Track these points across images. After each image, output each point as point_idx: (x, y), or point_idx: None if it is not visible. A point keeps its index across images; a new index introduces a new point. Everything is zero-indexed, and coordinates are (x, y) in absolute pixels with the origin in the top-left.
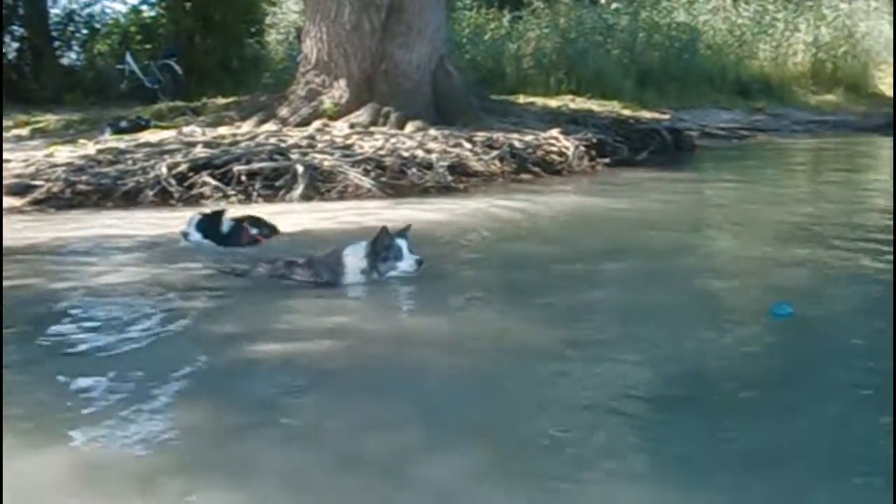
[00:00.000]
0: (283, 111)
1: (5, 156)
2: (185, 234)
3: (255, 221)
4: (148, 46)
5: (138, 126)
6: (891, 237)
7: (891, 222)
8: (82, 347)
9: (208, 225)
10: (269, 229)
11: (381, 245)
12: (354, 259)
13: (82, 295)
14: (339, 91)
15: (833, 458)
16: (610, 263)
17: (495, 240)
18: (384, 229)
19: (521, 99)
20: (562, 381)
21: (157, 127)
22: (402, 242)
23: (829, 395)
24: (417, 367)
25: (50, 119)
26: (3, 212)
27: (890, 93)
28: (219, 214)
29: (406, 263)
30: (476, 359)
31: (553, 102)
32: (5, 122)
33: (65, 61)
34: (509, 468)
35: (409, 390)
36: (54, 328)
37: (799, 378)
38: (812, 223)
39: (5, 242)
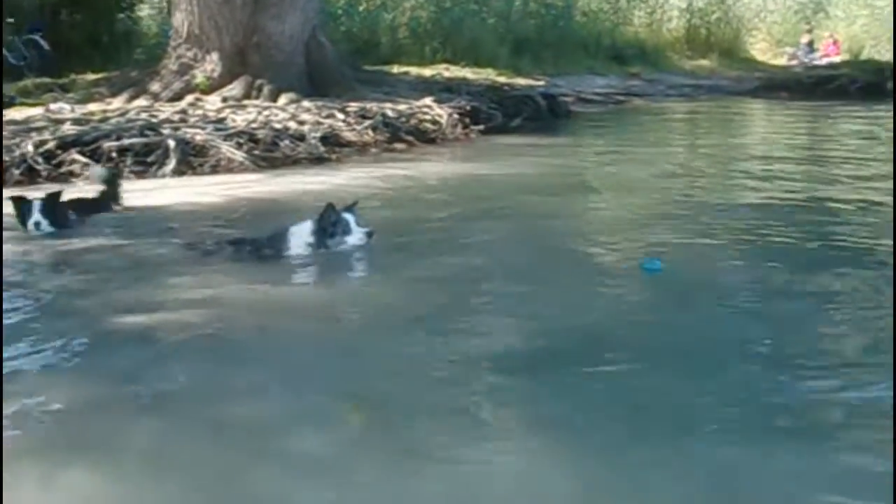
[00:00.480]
0: (155, 86)
1: None
2: (37, 224)
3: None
4: (11, 21)
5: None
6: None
7: (758, 182)
8: None
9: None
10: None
11: (328, 221)
12: (299, 237)
13: None
14: (211, 65)
15: (704, 411)
16: (484, 228)
17: (368, 209)
18: (329, 206)
19: (396, 69)
20: (435, 345)
21: (22, 104)
22: (349, 217)
23: (698, 349)
24: (288, 335)
25: None
26: None
27: (761, 57)
28: (56, 196)
29: (355, 237)
30: (349, 326)
31: (427, 72)
32: None
33: None
34: (379, 436)
35: (278, 359)
36: None
37: (668, 333)
38: (685, 184)
39: None
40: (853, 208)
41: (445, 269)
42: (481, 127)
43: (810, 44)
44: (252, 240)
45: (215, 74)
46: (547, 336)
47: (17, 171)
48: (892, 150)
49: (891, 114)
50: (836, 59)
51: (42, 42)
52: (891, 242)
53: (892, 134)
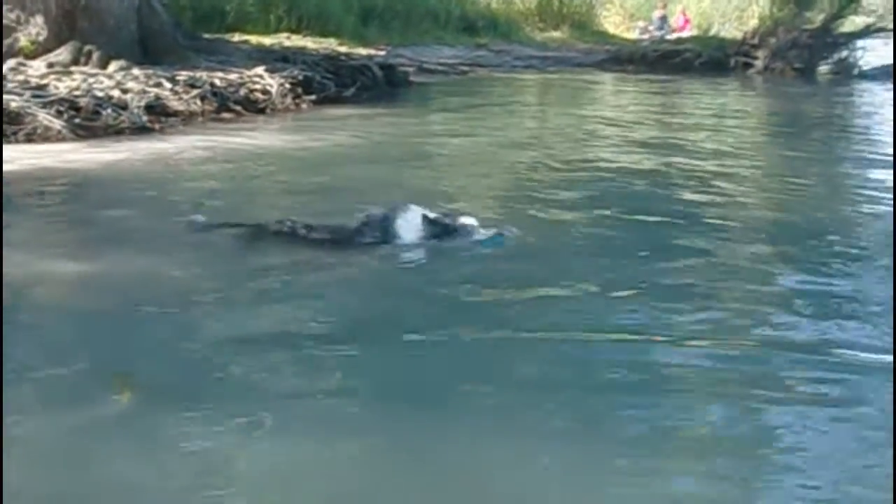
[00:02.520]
0: None
1: None
2: None
3: None
4: None
5: None
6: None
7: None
8: None
9: None
10: None
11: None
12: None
13: None
14: (35, 28)
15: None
16: (298, 203)
17: (184, 180)
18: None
19: (237, 37)
20: (206, 322)
21: None
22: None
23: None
24: (51, 310)
25: None
26: None
27: (614, 31)
28: None
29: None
30: (124, 301)
31: (267, 40)
32: None
33: None
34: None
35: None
36: None
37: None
38: (518, 154)
39: None
40: (693, 179)
41: (233, 246)
42: (313, 97)
43: (663, 18)
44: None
45: (41, 38)
46: (334, 314)
47: None
48: (733, 121)
49: (731, 89)
50: (686, 34)
51: None
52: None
53: (732, 106)
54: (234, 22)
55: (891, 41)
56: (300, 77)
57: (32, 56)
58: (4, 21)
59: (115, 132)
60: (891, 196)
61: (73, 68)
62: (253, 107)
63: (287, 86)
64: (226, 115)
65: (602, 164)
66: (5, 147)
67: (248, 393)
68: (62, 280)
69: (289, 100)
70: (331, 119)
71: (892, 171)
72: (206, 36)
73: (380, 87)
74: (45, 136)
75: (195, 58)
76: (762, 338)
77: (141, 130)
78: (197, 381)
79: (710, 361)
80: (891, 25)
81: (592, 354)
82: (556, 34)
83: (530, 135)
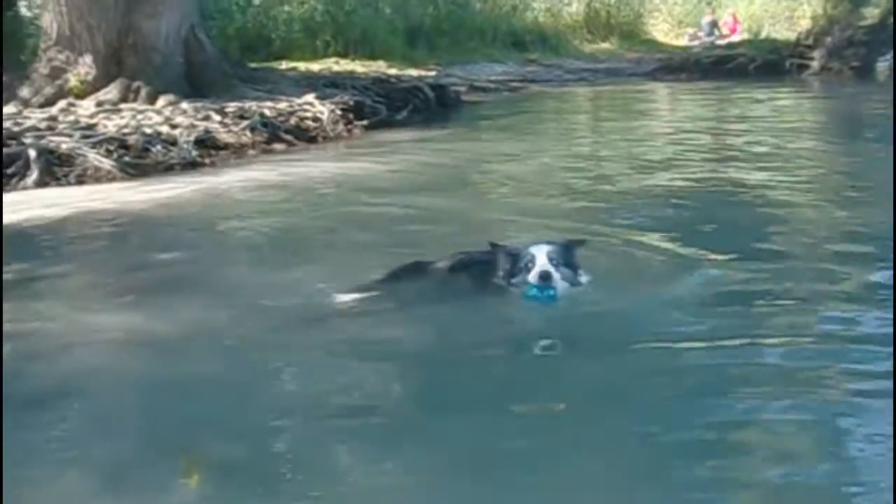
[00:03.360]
0: (25, 91)
1: None
2: None
3: None
4: None
5: None
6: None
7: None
8: None
9: None
10: None
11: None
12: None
13: None
14: (84, 67)
15: None
16: (353, 236)
17: (237, 217)
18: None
19: (284, 65)
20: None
21: None
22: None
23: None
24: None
25: None
26: None
27: (662, 38)
28: None
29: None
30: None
31: (316, 66)
32: None
33: None
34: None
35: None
36: None
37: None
38: (582, 176)
39: None
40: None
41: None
42: (365, 122)
43: (713, 23)
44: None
45: (90, 77)
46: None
47: None
48: (793, 126)
49: (789, 93)
50: (737, 38)
51: None
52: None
53: (791, 111)
54: (281, 49)
55: None
56: (351, 102)
57: (82, 95)
58: (55, 63)
59: (165, 169)
60: None
61: (121, 105)
62: (304, 135)
63: (338, 112)
64: (277, 145)
65: (667, 179)
66: (57, 189)
67: (328, 475)
68: (114, 337)
69: (340, 126)
70: (384, 144)
71: None
72: (254, 65)
73: (432, 108)
74: (96, 177)
75: (243, 88)
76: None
77: (192, 165)
78: (272, 458)
79: None
80: None
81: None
82: (604, 45)
83: (589, 153)
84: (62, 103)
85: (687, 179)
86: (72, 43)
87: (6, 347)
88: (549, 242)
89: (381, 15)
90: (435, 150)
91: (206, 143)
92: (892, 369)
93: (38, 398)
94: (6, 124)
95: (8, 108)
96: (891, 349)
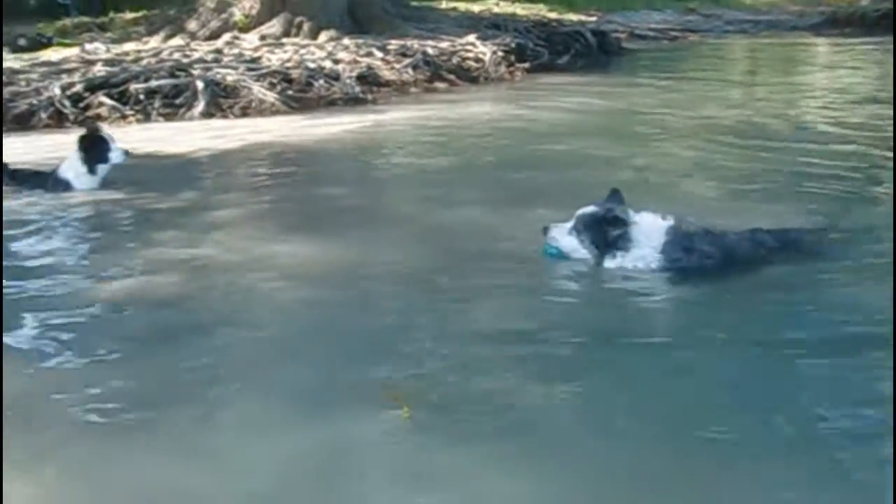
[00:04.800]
0: (192, 25)
1: None
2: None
3: None
4: None
5: (39, 44)
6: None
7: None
8: None
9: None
10: None
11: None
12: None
13: None
14: (249, 2)
15: None
16: (527, 180)
17: (405, 154)
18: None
19: (444, 4)
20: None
21: (60, 44)
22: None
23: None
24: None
25: None
26: None
27: None
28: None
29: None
30: (360, 292)
31: (476, 7)
32: None
33: None
34: None
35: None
36: None
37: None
38: (742, 128)
39: None
40: None
41: (470, 223)
42: (527, 65)
43: None
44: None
45: (254, 12)
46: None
47: (44, 115)
48: None
49: None
50: None
51: None
52: None
53: None
54: None
55: None
56: (513, 45)
57: (246, 30)
58: None
59: (327, 103)
60: None
61: (284, 40)
62: (466, 75)
63: (500, 54)
64: (438, 84)
65: (823, 140)
66: (222, 122)
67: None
68: (284, 267)
69: (502, 68)
70: (546, 88)
71: None
72: (415, 3)
73: (593, 54)
74: (260, 110)
75: (405, 26)
76: None
77: (354, 101)
78: (464, 390)
79: None
80: None
81: None
82: None
83: (746, 106)
84: (227, 37)
85: (845, 142)
86: None
87: (180, 275)
88: (591, 207)
89: None
90: (597, 96)
91: (368, 80)
92: None
93: (213, 324)
94: (175, 56)
95: (175, 41)
96: None
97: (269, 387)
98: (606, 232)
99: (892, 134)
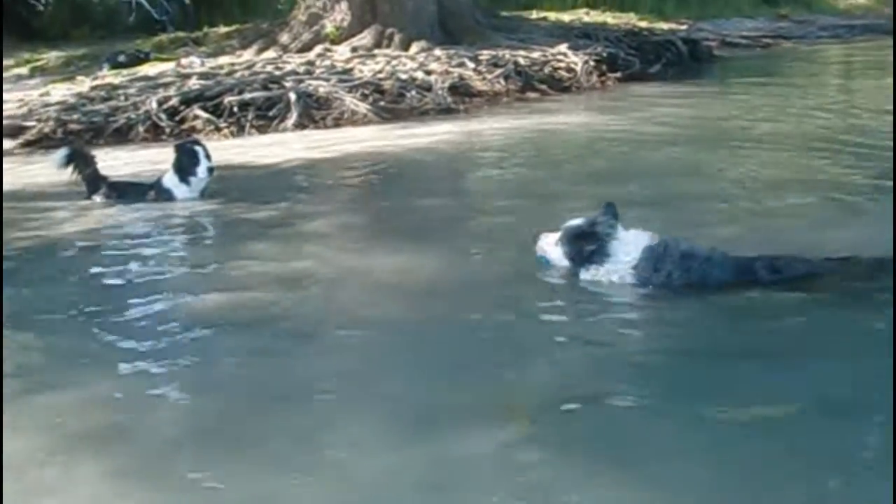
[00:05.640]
0: (284, 37)
1: (3, 96)
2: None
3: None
4: None
5: (137, 59)
6: None
7: None
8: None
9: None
10: None
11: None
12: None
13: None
14: (340, 14)
15: None
16: (622, 192)
17: (500, 165)
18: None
19: (534, 14)
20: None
21: (157, 59)
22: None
23: None
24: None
25: (50, 56)
26: None
27: None
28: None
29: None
30: (450, 307)
31: (566, 17)
32: (6, 61)
33: None
34: None
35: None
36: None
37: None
38: (843, 138)
39: None
40: None
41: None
42: (618, 74)
43: None
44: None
45: (345, 24)
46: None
47: (141, 129)
48: None
49: None
50: None
51: None
52: None
53: None
54: None
55: None
56: (604, 54)
57: (337, 41)
58: (313, 10)
59: (419, 114)
60: None
61: (375, 51)
62: (557, 85)
63: (591, 63)
64: (530, 94)
65: None
66: (315, 133)
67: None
68: (377, 278)
69: (594, 77)
70: (638, 97)
71: None
72: (505, 13)
73: (684, 62)
74: (352, 120)
75: (495, 36)
76: None
77: (445, 111)
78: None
79: None
80: None
81: None
82: (859, 0)
83: (844, 112)
84: (319, 49)
85: None
86: None
87: (274, 287)
88: (577, 220)
89: None
90: (689, 105)
91: (460, 90)
92: None
93: (308, 337)
94: (268, 68)
95: (268, 53)
96: None
97: (371, 401)
98: (582, 246)
99: None
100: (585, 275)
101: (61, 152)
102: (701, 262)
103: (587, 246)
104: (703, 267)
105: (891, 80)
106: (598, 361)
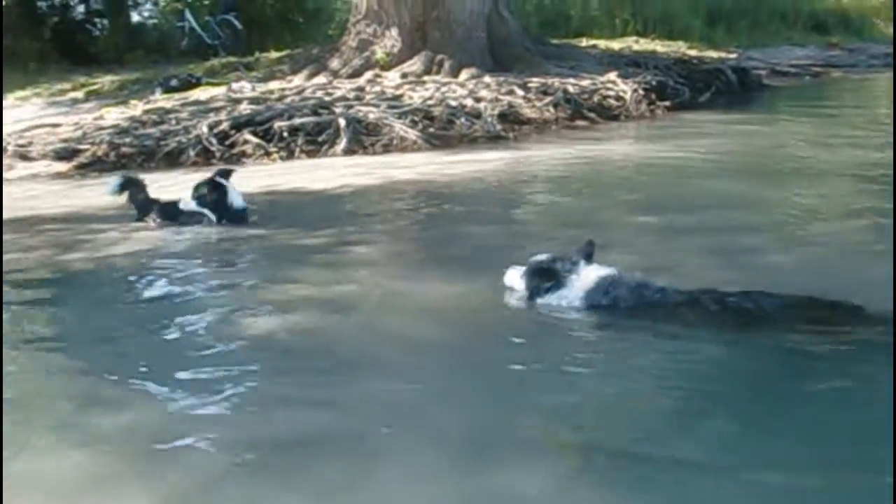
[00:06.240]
0: (335, 63)
1: (58, 119)
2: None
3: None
4: (206, 2)
5: (189, 84)
6: None
7: None
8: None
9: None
10: None
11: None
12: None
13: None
14: (390, 40)
15: None
16: (649, 218)
17: (547, 193)
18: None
19: (584, 42)
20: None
21: (208, 84)
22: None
23: None
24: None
25: (105, 81)
26: (50, 176)
27: None
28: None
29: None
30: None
31: (616, 45)
32: (63, 85)
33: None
34: None
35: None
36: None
37: None
38: (882, 167)
39: (41, 209)
40: None
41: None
42: (667, 103)
43: None
44: None
45: (395, 50)
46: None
47: (192, 153)
48: None
49: None
50: None
51: (236, 22)
52: None
53: None
54: (580, 26)
55: None
56: (653, 82)
57: (387, 68)
58: (363, 36)
59: (469, 141)
60: None
61: (425, 78)
62: (606, 113)
63: (641, 92)
64: (579, 122)
65: None
66: (364, 158)
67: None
68: (428, 309)
69: (643, 106)
70: (687, 126)
71: None
72: (554, 41)
73: (734, 91)
74: (401, 147)
75: (545, 64)
76: None
77: (495, 139)
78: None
79: None
80: None
81: None
82: None
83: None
84: (369, 74)
85: None
86: (379, 17)
87: (319, 313)
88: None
89: None
90: (739, 134)
91: (509, 117)
92: None
93: (353, 365)
94: (318, 94)
95: (318, 79)
96: None
97: (419, 431)
98: (540, 282)
99: None
100: (540, 300)
101: (115, 181)
102: (648, 295)
103: (545, 282)
104: (650, 299)
105: None
106: (643, 399)
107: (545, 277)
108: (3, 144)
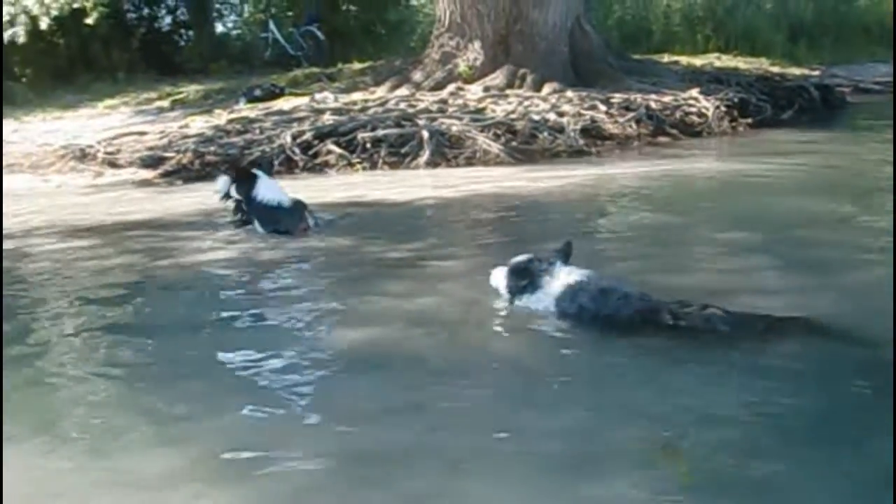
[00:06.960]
0: (417, 75)
1: (145, 128)
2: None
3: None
4: (290, 13)
5: (272, 94)
6: None
7: None
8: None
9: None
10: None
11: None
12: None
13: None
14: (473, 53)
15: None
16: (731, 235)
17: (628, 209)
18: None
19: (666, 58)
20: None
21: (291, 94)
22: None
23: None
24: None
25: (190, 90)
26: (136, 183)
27: None
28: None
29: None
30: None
31: (698, 61)
32: (149, 94)
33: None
34: None
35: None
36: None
37: None
38: None
39: (126, 214)
40: None
41: (691, 283)
42: (749, 120)
43: None
44: None
45: (478, 63)
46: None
47: (276, 162)
48: None
49: None
50: None
51: (318, 33)
52: None
53: None
54: (661, 42)
55: None
56: (735, 99)
57: (470, 81)
58: (446, 49)
59: (551, 155)
60: None
61: (507, 91)
62: (688, 130)
63: (723, 108)
64: (661, 138)
65: None
66: (447, 171)
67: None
68: (511, 324)
69: (725, 123)
70: (769, 143)
71: None
72: (637, 57)
73: (817, 109)
74: (484, 160)
75: (627, 79)
76: None
77: (577, 154)
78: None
79: None
80: None
81: None
82: None
83: None
84: (451, 87)
85: None
86: (462, 30)
87: (402, 326)
88: (521, 257)
89: (762, 10)
90: (822, 152)
91: (592, 133)
92: None
93: (439, 378)
94: (401, 105)
95: (401, 91)
96: None
97: (517, 444)
98: (517, 281)
99: None
100: (518, 302)
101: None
102: (612, 302)
103: (520, 281)
104: (614, 306)
105: None
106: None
107: (521, 278)
108: (93, 152)
